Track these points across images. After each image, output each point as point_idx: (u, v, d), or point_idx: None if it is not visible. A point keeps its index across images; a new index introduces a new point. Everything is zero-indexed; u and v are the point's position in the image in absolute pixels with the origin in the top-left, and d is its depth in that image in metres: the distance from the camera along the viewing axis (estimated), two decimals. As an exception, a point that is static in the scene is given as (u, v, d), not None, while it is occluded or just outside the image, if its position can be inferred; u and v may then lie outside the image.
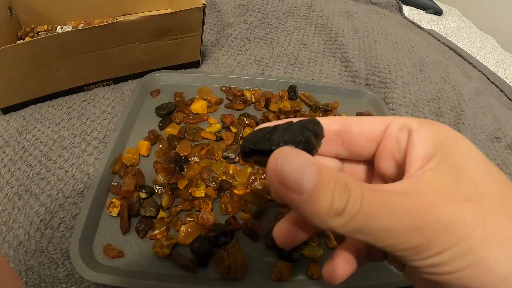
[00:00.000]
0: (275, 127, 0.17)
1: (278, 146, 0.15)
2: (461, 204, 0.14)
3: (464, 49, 0.81)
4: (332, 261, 0.19)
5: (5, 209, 0.36)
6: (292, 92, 0.52)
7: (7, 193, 0.37)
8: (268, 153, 0.15)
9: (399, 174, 0.18)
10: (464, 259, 0.13)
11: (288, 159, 0.14)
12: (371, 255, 0.20)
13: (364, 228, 0.14)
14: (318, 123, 0.17)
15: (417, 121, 0.17)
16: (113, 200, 0.36)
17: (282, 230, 0.18)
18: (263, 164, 0.15)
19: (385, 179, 0.19)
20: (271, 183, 0.15)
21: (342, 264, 0.19)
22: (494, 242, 0.13)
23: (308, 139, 0.15)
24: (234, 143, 0.44)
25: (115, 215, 0.35)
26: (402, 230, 0.14)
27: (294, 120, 0.18)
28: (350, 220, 0.14)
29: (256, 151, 0.16)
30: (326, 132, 0.18)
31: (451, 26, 0.93)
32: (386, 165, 0.18)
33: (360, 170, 0.21)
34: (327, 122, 0.19)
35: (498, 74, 0.76)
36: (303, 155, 0.14)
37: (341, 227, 0.14)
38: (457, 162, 0.15)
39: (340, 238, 0.36)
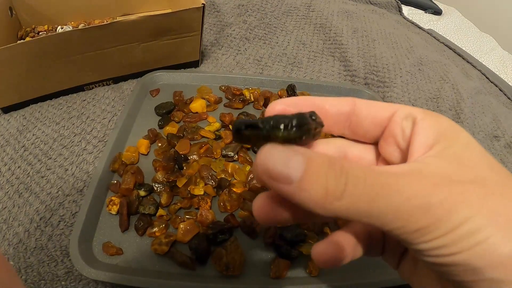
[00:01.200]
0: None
1: (269, 122, 0.14)
2: (466, 185, 0.14)
3: (464, 48, 0.81)
4: (336, 241, 0.18)
5: (5, 207, 0.36)
6: (291, 91, 0.52)
7: (7, 191, 0.37)
8: (258, 128, 0.15)
9: (403, 161, 0.18)
10: (470, 239, 0.13)
11: (271, 153, 0.14)
12: (369, 247, 0.20)
13: (371, 210, 0.14)
14: (314, 113, 0.16)
15: (422, 112, 0.17)
16: (113, 198, 0.36)
17: (261, 204, 0.17)
18: (254, 141, 0.15)
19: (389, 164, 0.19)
20: (264, 182, 0.14)
21: (349, 245, 0.18)
22: (498, 222, 0.13)
23: (301, 118, 0.15)
24: (233, 141, 0.44)
25: (114, 213, 0.35)
26: (410, 210, 0.14)
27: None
28: (355, 202, 0.14)
29: (248, 126, 0.15)
30: (337, 114, 0.18)
31: (450, 25, 0.93)
32: (390, 150, 0.18)
33: (366, 156, 0.20)
34: (339, 104, 0.19)
35: (497, 73, 0.76)
36: (288, 147, 0.14)
37: (346, 210, 0.14)
38: (457, 151, 0.15)
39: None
